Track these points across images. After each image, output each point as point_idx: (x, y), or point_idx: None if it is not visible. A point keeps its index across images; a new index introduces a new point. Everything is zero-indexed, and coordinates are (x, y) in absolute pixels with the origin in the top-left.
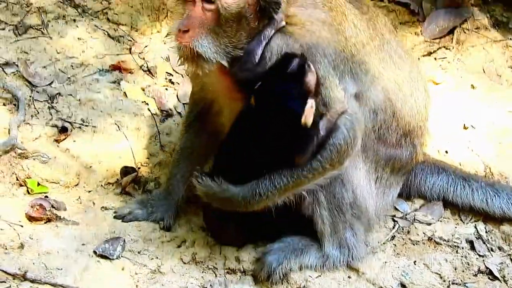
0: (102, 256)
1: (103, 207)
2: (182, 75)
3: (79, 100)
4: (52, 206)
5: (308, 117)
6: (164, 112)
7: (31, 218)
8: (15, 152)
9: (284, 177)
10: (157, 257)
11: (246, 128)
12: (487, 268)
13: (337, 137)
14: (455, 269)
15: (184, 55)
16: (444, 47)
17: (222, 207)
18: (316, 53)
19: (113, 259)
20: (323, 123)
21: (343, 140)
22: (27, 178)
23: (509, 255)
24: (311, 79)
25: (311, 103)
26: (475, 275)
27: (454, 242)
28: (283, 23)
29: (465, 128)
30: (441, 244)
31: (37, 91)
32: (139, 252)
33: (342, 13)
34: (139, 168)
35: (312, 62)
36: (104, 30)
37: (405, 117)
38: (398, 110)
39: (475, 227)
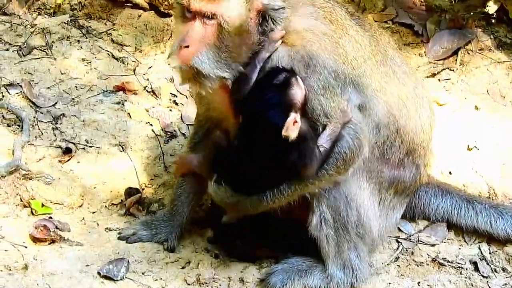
0: (106, 277)
1: (107, 228)
2: (186, 96)
3: (83, 121)
4: (56, 227)
5: (289, 130)
6: (168, 133)
7: (35, 239)
8: (19, 173)
9: (292, 185)
10: (161, 278)
11: (243, 143)
12: None
13: (342, 145)
14: None
15: (185, 75)
16: (448, 68)
17: (228, 210)
18: (316, 63)
19: (117, 280)
20: (327, 133)
21: (348, 149)
22: (31, 199)
23: None
24: (297, 92)
25: (293, 117)
26: None
27: (458, 263)
28: (278, 43)
29: (469, 149)
30: (445, 265)
31: (41, 112)
32: (143, 273)
33: (342, 27)
34: (143, 189)
35: (312, 73)
36: (108, 51)
37: (408, 133)
38: (402, 126)
39: (479, 248)
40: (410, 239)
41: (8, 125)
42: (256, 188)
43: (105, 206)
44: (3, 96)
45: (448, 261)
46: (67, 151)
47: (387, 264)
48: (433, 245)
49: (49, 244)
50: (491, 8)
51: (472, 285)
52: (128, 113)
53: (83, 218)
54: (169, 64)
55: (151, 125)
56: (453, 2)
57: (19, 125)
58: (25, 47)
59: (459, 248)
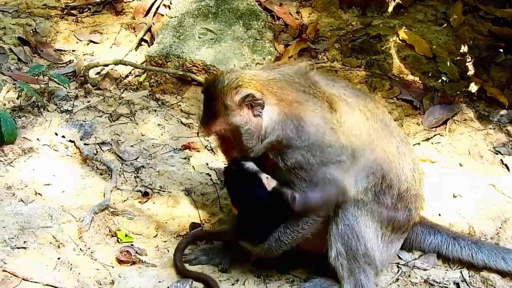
0: None
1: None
2: None
3: (158, 171)
4: (136, 252)
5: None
6: (223, 181)
7: (120, 261)
8: (109, 211)
9: (286, 234)
10: None
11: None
12: None
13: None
14: None
15: None
16: (439, 134)
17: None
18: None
19: None
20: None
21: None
22: (117, 230)
23: None
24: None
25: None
26: None
27: (444, 284)
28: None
29: (454, 196)
30: (434, 286)
31: (126, 164)
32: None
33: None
34: (203, 224)
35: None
36: (177, 118)
37: (392, 181)
38: (386, 174)
39: (461, 272)
40: (407, 265)
41: (101, 174)
42: (262, 238)
43: (174, 237)
44: (97, 152)
45: (437, 282)
46: (146, 194)
47: (390, 284)
48: (425, 270)
49: (130, 265)
50: (473, 88)
51: None
52: (193, 166)
53: (157, 246)
54: None
55: (209, 175)
56: (444, 83)
57: (109, 174)
58: (114, 114)
59: (445, 272)
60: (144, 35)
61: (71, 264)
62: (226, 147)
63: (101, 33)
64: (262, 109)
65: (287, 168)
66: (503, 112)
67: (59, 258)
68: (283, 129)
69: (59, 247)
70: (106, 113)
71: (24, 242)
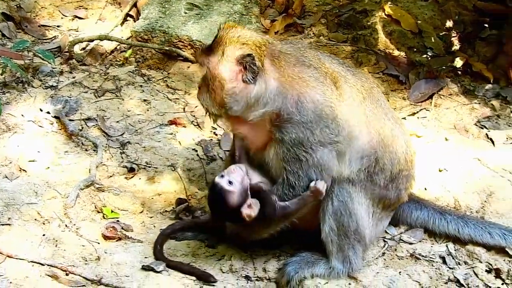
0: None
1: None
2: (223, 129)
3: (144, 147)
4: (122, 228)
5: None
6: (209, 157)
7: (106, 237)
8: (94, 187)
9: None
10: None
11: None
12: (455, 277)
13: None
14: (431, 278)
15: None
16: (425, 109)
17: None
18: (304, 100)
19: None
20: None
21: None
22: (103, 206)
23: (472, 267)
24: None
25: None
26: (446, 283)
27: (430, 257)
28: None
29: (440, 170)
30: (420, 259)
31: (111, 140)
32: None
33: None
34: (189, 199)
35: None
36: (164, 93)
37: (385, 163)
38: (380, 157)
39: (446, 246)
40: (394, 239)
41: (86, 150)
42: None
43: (160, 213)
44: (83, 128)
45: (423, 256)
46: (131, 170)
47: (376, 258)
48: (411, 244)
49: (116, 241)
50: (458, 63)
51: (441, 274)
52: (179, 142)
53: (143, 222)
54: None
55: (196, 151)
56: (429, 58)
57: (94, 150)
58: (100, 90)
59: (431, 246)
60: (129, 10)
61: (56, 241)
62: (201, 89)
63: (86, 8)
64: (254, 78)
65: (285, 145)
66: (488, 86)
67: (44, 235)
68: (283, 102)
69: (44, 224)
70: (92, 89)
71: (9, 218)
